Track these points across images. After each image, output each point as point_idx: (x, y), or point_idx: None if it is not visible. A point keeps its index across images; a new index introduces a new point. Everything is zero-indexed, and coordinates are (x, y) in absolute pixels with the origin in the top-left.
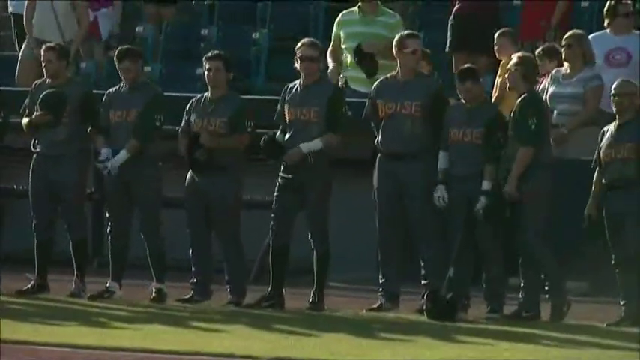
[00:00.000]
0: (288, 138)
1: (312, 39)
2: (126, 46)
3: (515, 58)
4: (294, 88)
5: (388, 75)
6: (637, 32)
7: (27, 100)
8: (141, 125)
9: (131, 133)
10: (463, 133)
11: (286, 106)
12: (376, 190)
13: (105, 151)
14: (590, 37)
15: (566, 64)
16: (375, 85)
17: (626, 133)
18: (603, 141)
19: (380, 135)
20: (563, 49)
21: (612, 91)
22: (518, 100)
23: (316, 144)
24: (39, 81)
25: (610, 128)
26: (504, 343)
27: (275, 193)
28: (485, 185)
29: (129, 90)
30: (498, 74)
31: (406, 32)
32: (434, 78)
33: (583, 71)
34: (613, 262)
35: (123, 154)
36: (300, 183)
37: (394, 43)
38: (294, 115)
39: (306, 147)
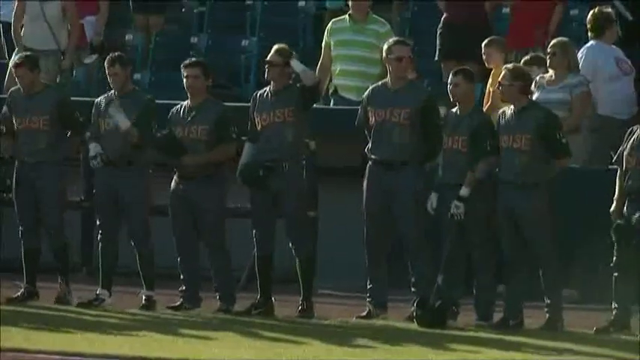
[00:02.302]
0: (263, 143)
1: (282, 44)
2: (117, 53)
3: (507, 72)
4: (265, 95)
5: (380, 82)
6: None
7: (4, 109)
8: (141, 129)
9: (124, 141)
10: (452, 139)
11: (257, 114)
12: (365, 197)
13: (93, 145)
14: (587, 46)
15: (550, 70)
16: (367, 92)
17: None
18: (628, 144)
19: (370, 142)
20: (548, 57)
21: None
22: (542, 116)
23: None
24: (14, 89)
25: (636, 133)
26: (494, 351)
27: (250, 202)
28: (464, 192)
29: (119, 98)
30: (489, 83)
31: (394, 39)
32: (423, 85)
33: (568, 77)
34: (613, 264)
35: (127, 122)
36: (273, 191)
37: (384, 50)
38: (268, 119)
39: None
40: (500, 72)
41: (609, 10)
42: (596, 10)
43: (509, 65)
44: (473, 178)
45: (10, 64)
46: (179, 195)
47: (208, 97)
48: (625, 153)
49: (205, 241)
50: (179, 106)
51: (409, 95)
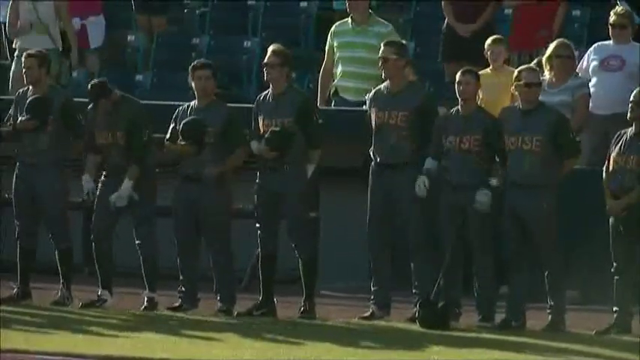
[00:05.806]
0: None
1: (277, 45)
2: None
3: (532, 72)
4: (267, 98)
5: (382, 85)
6: (637, 44)
7: (11, 110)
8: (135, 147)
9: (122, 153)
10: (460, 140)
11: (259, 118)
12: (369, 199)
13: (88, 185)
14: (594, 46)
15: (547, 72)
16: (371, 93)
17: (638, 144)
18: (616, 146)
19: (372, 144)
20: (558, 59)
21: (631, 100)
22: (553, 117)
23: (310, 168)
24: (21, 90)
25: (627, 134)
26: (496, 352)
27: (255, 203)
28: (494, 182)
29: (109, 112)
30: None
31: (384, 41)
32: (423, 87)
33: (570, 79)
34: (614, 269)
35: (127, 184)
36: (276, 192)
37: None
38: (270, 126)
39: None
40: (487, 72)
41: (628, 9)
42: (619, 8)
43: (531, 65)
44: (502, 172)
45: (12, 72)
46: (183, 196)
47: (214, 98)
48: (612, 156)
49: (208, 242)
50: (185, 106)
51: (408, 98)
